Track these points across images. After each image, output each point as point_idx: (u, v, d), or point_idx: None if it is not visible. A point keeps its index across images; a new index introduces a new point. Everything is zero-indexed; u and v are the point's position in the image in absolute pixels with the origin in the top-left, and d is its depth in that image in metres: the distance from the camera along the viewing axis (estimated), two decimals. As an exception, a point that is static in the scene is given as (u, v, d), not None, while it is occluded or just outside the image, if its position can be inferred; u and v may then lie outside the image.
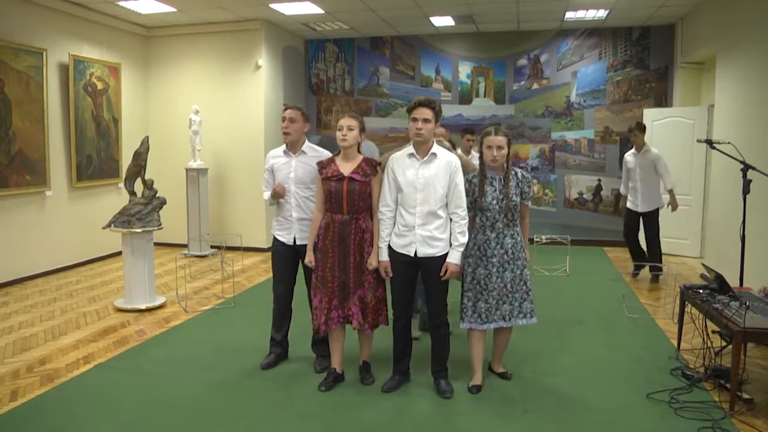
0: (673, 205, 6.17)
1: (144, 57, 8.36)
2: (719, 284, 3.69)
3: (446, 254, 3.37)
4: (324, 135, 9.19)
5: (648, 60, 8.32)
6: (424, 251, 3.36)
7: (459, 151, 4.15)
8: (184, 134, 7.95)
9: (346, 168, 3.49)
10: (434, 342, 3.56)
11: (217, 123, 8.13)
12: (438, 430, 3.14)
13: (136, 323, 4.96)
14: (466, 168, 3.99)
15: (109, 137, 7.58)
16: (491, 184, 3.47)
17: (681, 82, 7.99)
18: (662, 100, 8.25)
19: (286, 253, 3.87)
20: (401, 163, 3.42)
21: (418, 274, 3.49)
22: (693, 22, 7.46)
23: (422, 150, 3.39)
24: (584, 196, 8.70)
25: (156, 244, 5.70)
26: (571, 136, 8.67)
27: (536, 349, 4.25)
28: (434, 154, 3.39)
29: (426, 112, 3.33)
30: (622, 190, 6.56)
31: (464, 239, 3.37)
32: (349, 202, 3.46)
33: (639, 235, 6.42)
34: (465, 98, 8.97)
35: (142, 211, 5.31)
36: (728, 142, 4.57)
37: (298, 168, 3.79)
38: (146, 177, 5.52)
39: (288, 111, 3.81)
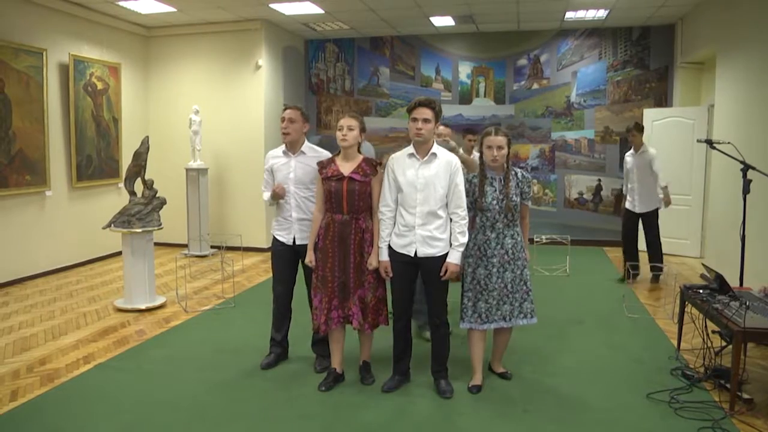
0: (666, 200, 6.07)
1: (144, 57, 8.36)
2: (719, 284, 3.69)
3: (446, 254, 3.37)
4: (324, 135, 9.19)
5: (648, 60, 8.32)
6: (424, 251, 3.36)
7: (461, 150, 4.14)
8: (184, 134, 7.95)
9: (346, 168, 3.49)
10: (434, 342, 3.56)
11: (217, 123, 8.14)
12: (438, 430, 3.14)
13: (136, 323, 4.96)
14: (471, 167, 3.99)
15: (109, 137, 7.58)
16: (491, 185, 3.47)
17: (681, 82, 7.99)
18: (662, 100, 8.25)
19: (285, 253, 3.87)
20: (401, 163, 3.42)
21: (418, 274, 3.49)
22: (693, 22, 7.46)
23: (422, 150, 3.39)
24: (584, 196, 8.70)
25: (156, 244, 5.70)
26: (571, 136, 8.67)
27: (536, 349, 4.25)
28: (434, 154, 3.39)
29: (426, 112, 3.33)
30: (624, 191, 6.55)
31: (464, 239, 3.37)
32: (349, 202, 3.46)
33: (638, 236, 6.38)
34: (465, 98, 8.96)
35: (142, 211, 5.31)
36: (728, 142, 4.57)
37: (297, 168, 3.79)
38: (146, 177, 5.52)
39: (287, 111, 3.81)
